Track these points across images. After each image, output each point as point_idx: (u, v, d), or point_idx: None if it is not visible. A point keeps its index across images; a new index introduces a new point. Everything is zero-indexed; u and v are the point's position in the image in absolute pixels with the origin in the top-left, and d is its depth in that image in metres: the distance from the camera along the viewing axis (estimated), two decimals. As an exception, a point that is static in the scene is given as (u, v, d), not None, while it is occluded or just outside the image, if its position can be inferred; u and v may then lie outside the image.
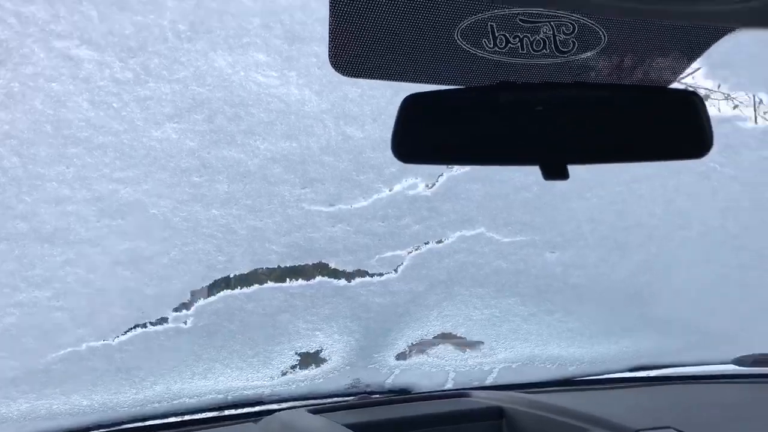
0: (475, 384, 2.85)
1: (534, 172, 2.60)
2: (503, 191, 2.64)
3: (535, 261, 2.81)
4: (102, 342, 2.24)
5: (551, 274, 2.86)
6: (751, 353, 2.93)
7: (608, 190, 2.76)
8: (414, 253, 2.62)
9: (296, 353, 2.63)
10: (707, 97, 3.76)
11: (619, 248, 2.89)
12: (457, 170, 2.54)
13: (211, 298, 2.42)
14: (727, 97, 4.08)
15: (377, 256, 2.56)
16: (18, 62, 1.79)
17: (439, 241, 2.64)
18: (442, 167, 2.53)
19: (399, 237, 2.56)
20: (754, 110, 4.10)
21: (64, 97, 1.88)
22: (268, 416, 2.28)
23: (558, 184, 2.64)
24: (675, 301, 3.06)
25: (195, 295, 2.43)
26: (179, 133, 2.03)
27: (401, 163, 2.29)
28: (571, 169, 2.69)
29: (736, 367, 2.95)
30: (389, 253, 2.57)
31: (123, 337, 2.28)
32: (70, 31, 1.79)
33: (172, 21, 1.86)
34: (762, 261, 3.04)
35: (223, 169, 2.14)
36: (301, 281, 2.51)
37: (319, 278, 2.55)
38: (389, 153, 1.28)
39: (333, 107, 2.16)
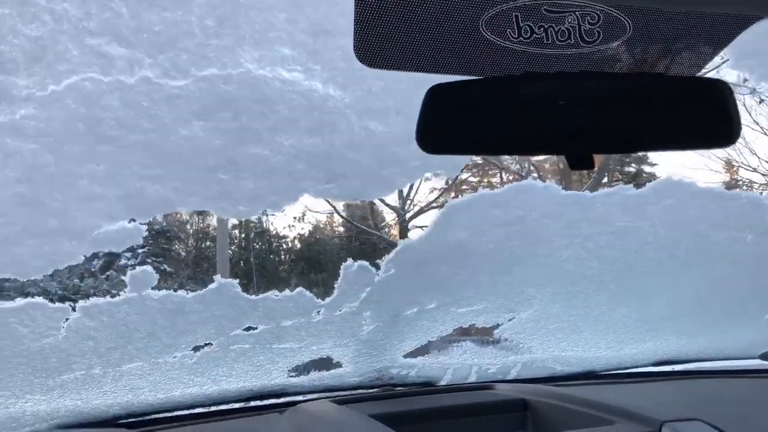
0: (498, 378, 2.86)
1: (455, 261, 2.62)
2: (434, 280, 2.66)
3: (499, 320, 2.89)
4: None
5: (526, 329, 2.93)
6: (776, 348, 2.90)
7: (532, 262, 2.77)
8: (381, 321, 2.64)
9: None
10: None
11: (578, 295, 2.90)
12: (379, 275, 2.55)
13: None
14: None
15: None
16: (53, 60, 1.81)
17: (400, 313, 2.66)
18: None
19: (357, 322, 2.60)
20: None
21: (96, 96, 1.90)
22: (294, 407, 2.30)
23: (483, 264, 2.69)
24: (665, 310, 3.08)
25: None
26: (206, 131, 2.05)
27: (424, 158, 2.31)
28: (489, 253, 2.70)
29: (764, 362, 2.92)
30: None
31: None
32: (102, 28, 1.81)
33: (200, 17, 1.88)
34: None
35: (248, 166, 2.16)
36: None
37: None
38: (412, 147, 1.28)
39: (357, 102, 2.17)
